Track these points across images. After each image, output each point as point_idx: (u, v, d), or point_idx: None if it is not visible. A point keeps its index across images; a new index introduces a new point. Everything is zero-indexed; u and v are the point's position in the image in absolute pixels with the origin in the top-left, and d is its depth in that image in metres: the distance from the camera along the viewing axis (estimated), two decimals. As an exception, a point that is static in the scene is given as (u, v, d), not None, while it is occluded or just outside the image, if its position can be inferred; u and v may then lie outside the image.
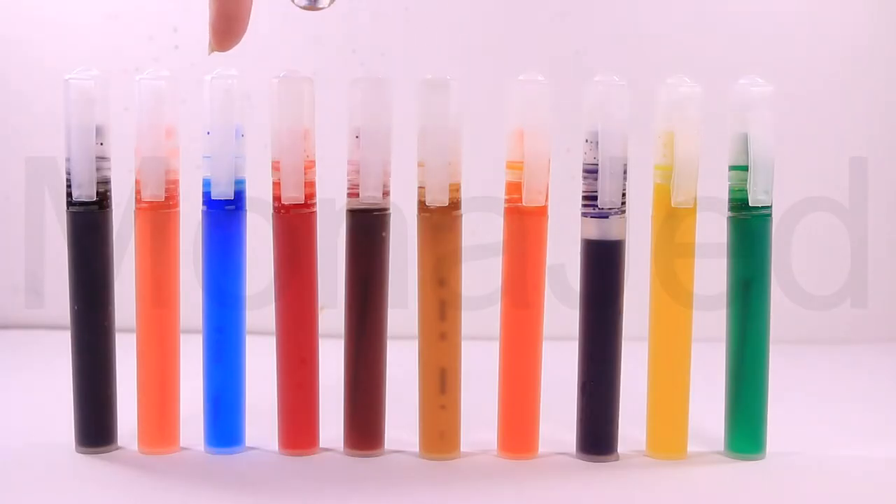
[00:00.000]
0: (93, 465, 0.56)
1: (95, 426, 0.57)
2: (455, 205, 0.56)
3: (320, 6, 0.52)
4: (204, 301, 0.57)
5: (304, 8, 0.51)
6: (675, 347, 0.58)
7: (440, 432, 0.57)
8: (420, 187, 0.56)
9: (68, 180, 0.55)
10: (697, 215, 0.57)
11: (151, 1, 0.92)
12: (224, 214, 0.56)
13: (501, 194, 0.57)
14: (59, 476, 0.54)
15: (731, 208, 0.57)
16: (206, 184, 0.56)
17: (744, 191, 0.57)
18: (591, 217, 0.56)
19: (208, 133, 0.55)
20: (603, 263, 0.56)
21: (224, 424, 0.57)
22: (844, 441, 0.62)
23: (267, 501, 0.51)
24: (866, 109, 0.94)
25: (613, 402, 0.57)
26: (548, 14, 0.93)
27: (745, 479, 0.55)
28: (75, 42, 0.92)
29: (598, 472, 0.56)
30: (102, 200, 0.56)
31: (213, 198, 0.56)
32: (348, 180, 0.56)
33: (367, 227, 0.56)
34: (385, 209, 0.57)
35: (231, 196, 0.56)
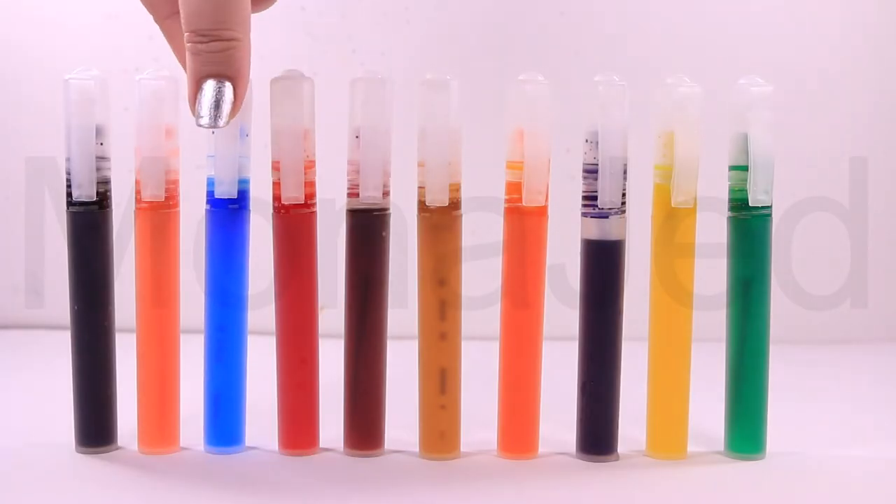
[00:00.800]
0: (93, 465, 0.56)
1: (95, 426, 0.57)
2: (455, 205, 0.56)
3: (220, 125, 0.52)
4: (206, 300, 0.57)
5: (205, 126, 0.52)
6: (675, 347, 0.58)
7: (440, 432, 0.57)
8: (420, 187, 0.56)
9: (68, 180, 0.55)
10: (697, 215, 0.57)
11: (151, 1, 0.92)
12: (227, 213, 0.56)
13: (501, 194, 0.57)
14: (59, 476, 0.54)
15: (731, 208, 0.57)
16: (210, 183, 0.56)
17: (744, 191, 0.57)
18: (591, 217, 0.56)
19: (213, 132, 0.55)
20: (603, 263, 0.56)
21: (224, 424, 0.57)
22: (844, 441, 0.62)
23: (267, 501, 0.51)
24: (866, 109, 0.94)
25: (613, 402, 0.57)
26: (548, 14, 0.93)
27: (745, 479, 0.55)
28: (75, 42, 0.92)
29: (598, 472, 0.56)
30: (102, 200, 0.56)
31: (216, 196, 0.56)
32: (348, 180, 0.56)
33: (367, 227, 0.56)
34: (385, 209, 0.57)
35: (234, 195, 0.56)
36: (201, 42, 0.51)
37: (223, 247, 0.56)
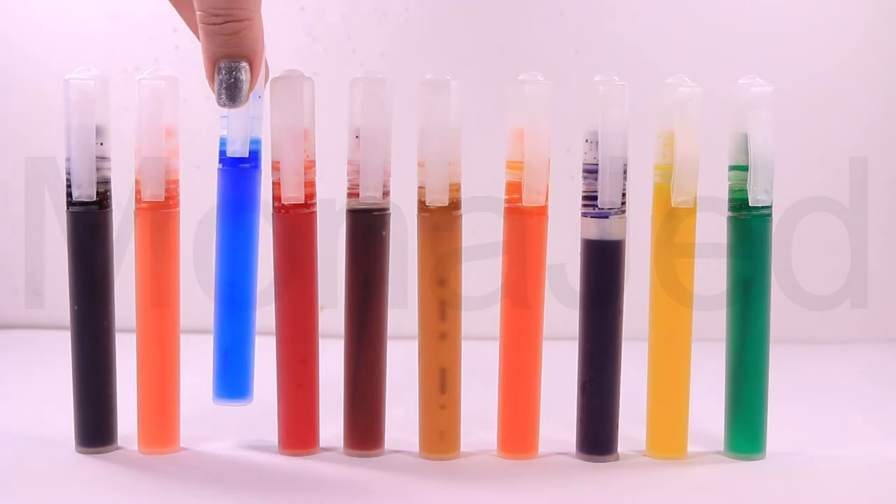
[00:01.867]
0: (93, 465, 0.56)
1: (95, 426, 0.57)
2: (455, 205, 0.56)
3: (238, 105, 0.53)
4: (217, 256, 0.56)
5: (225, 106, 0.53)
6: (675, 347, 0.58)
7: (440, 432, 0.57)
8: (420, 187, 0.56)
9: (68, 180, 0.55)
10: (697, 215, 0.57)
11: (151, 1, 0.92)
12: (239, 172, 0.56)
13: (501, 194, 0.57)
14: (59, 476, 0.54)
15: (731, 208, 0.57)
16: (223, 142, 0.56)
17: (744, 191, 0.57)
18: (591, 217, 0.56)
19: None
20: (603, 263, 0.56)
21: (232, 377, 0.57)
22: (844, 441, 0.62)
23: (267, 501, 0.51)
24: (866, 109, 0.94)
25: (613, 402, 0.57)
26: (548, 14, 0.93)
27: (745, 479, 0.55)
28: (75, 42, 0.92)
29: (598, 472, 0.56)
30: (102, 200, 0.56)
31: (228, 155, 0.56)
32: (348, 180, 0.56)
33: (367, 227, 0.56)
34: (385, 209, 0.57)
35: (246, 154, 0.56)
36: (215, 23, 0.51)
37: (234, 205, 0.56)
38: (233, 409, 0.57)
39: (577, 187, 0.57)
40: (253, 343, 0.57)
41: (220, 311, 0.57)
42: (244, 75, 0.52)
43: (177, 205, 0.57)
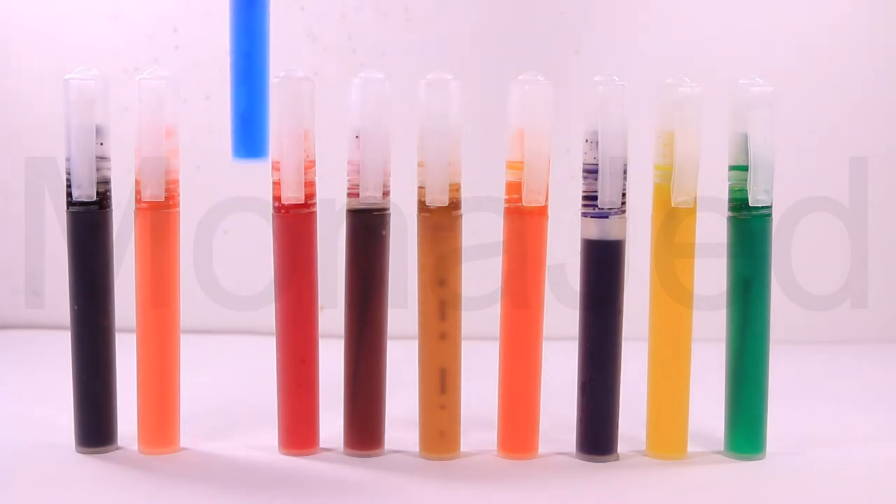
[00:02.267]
0: (93, 465, 0.56)
1: (95, 426, 0.57)
2: (455, 205, 0.56)
3: None
4: (231, 30, 0.55)
5: None
6: (675, 347, 0.58)
7: (440, 432, 0.57)
8: (420, 187, 0.56)
9: (68, 180, 0.55)
10: (697, 215, 0.57)
11: (151, 1, 0.92)
12: None
13: (501, 194, 0.57)
14: (59, 476, 0.54)
15: (731, 208, 0.57)
16: None
17: (744, 191, 0.57)
18: (591, 217, 0.56)
19: None
20: (603, 263, 0.56)
21: (250, 138, 0.55)
22: (844, 441, 0.62)
23: (267, 501, 0.51)
24: (866, 109, 0.94)
25: (613, 402, 0.57)
26: (548, 14, 0.93)
27: (745, 479, 0.55)
28: (75, 42, 0.92)
29: (598, 472, 0.56)
30: (102, 200, 0.56)
31: None
32: (348, 180, 0.56)
33: (367, 227, 0.56)
34: (385, 209, 0.57)
35: None
36: None
37: (246, 7, 0.55)
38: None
39: (578, 187, 0.57)
40: (267, 108, 0.56)
41: (236, 79, 0.55)
42: None
43: (177, 205, 0.57)
